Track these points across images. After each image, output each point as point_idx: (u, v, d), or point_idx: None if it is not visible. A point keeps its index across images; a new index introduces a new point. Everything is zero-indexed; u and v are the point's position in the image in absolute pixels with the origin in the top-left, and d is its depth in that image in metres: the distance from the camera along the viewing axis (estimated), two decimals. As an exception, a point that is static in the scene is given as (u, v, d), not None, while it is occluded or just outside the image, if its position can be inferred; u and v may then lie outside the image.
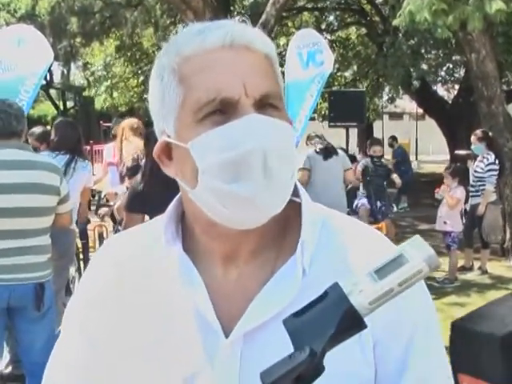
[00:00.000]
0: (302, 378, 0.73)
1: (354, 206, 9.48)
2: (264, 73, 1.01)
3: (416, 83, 16.22)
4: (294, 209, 1.09)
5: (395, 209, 9.74)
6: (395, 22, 8.38)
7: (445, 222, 8.46)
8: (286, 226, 1.09)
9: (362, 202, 9.46)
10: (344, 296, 0.73)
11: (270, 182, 0.96)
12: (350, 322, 0.74)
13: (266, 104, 1.00)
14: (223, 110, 0.98)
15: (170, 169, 1.06)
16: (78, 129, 5.99)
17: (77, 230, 6.17)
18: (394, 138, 17.10)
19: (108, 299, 1.12)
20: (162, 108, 1.04)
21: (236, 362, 1.01)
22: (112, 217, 7.85)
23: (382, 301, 0.74)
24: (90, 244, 8.75)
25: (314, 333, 0.74)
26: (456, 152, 10.62)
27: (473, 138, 8.91)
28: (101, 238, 8.88)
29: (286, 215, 1.06)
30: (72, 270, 6.75)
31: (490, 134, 9.07)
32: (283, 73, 8.89)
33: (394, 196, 11.56)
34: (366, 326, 0.76)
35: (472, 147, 9.03)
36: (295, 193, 1.08)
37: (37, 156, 4.13)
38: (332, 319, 0.73)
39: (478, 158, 8.82)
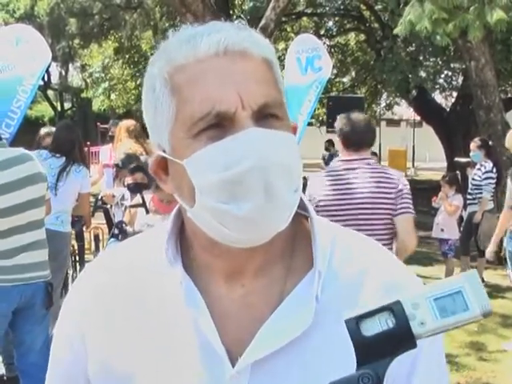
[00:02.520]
0: None
1: None
2: (262, 80, 0.94)
3: (414, 91, 16.22)
4: (301, 223, 1.03)
5: None
6: (396, 31, 8.38)
7: (442, 230, 8.44)
8: (293, 242, 1.02)
9: None
10: (407, 324, 0.77)
11: (272, 200, 0.89)
12: (405, 347, 0.78)
13: (266, 114, 0.92)
14: (220, 124, 0.90)
15: (167, 185, 0.99)
16: (76, 132, 5.70)
17: (73, 232, 6.14)
18: (330, 142, 16.46)
19: (101, 313, 1.04)
20: (155, 120, 0.97)
21: None
22: (107, 219, 7.83)
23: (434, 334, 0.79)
24: (86, 246, 8.73)
25: (375, 354, 0.77)
26: (456, 159, 10.60)
27: (472, 145, 8.89)
28: (96, 239, 8.86)
29: (292, 230, 1.00)
30: (69, 272, 6.73)
31: (490, 142, 9.06)
32: (282, 77, 8.92)
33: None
34: (415, 347, 0.78)
35: (471, 154, 9.01)
36: (301, 205, 1.01)
37: (15, 151, 3.98)
38: (392, 346, 0.78)
39: (476, 166, 8.81)
